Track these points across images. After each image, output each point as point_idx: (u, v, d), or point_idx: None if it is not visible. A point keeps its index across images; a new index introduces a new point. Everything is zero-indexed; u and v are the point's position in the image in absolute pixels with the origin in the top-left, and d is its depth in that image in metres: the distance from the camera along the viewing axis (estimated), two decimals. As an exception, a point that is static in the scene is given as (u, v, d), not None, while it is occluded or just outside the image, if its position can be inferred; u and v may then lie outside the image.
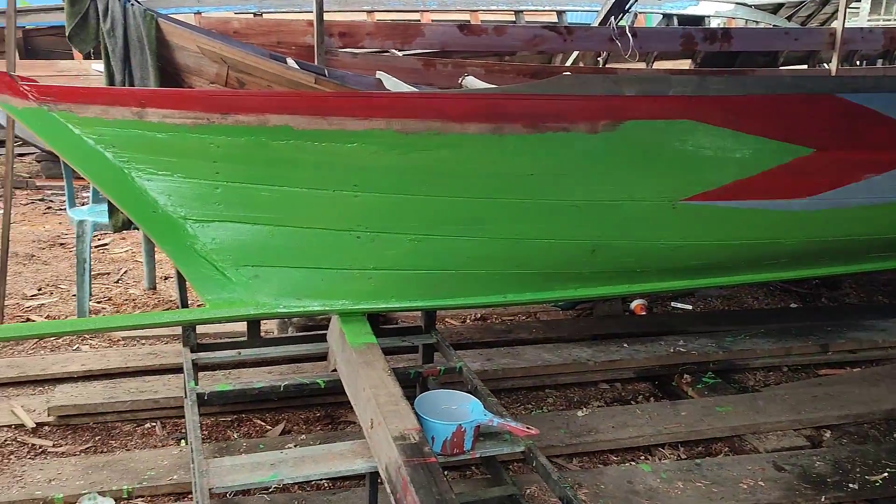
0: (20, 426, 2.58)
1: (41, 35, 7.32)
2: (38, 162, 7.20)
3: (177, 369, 2.89)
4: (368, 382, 1.97)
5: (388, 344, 2.46)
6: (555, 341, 3.26)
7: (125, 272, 4.29)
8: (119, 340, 3.31)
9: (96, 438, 2.56)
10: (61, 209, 5.90)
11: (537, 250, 2.30)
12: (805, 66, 7.23)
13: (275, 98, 2.12)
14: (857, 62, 7.69)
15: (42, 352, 3.18)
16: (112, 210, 3.33)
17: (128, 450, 2.49)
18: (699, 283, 2.76)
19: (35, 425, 2.58)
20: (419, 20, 7.39)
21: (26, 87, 2.08)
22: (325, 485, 2.31)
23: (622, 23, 5.95)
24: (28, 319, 3.54)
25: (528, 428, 1.91)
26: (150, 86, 3.24)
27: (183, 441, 2.53)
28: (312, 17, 4.97)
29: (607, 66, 6.74)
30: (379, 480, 1.90)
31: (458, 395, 2.08)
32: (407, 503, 1.59)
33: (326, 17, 4.80)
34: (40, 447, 2.48)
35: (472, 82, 4.41)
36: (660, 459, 2.54)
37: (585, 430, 2.60)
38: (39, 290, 3.96)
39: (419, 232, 2.22)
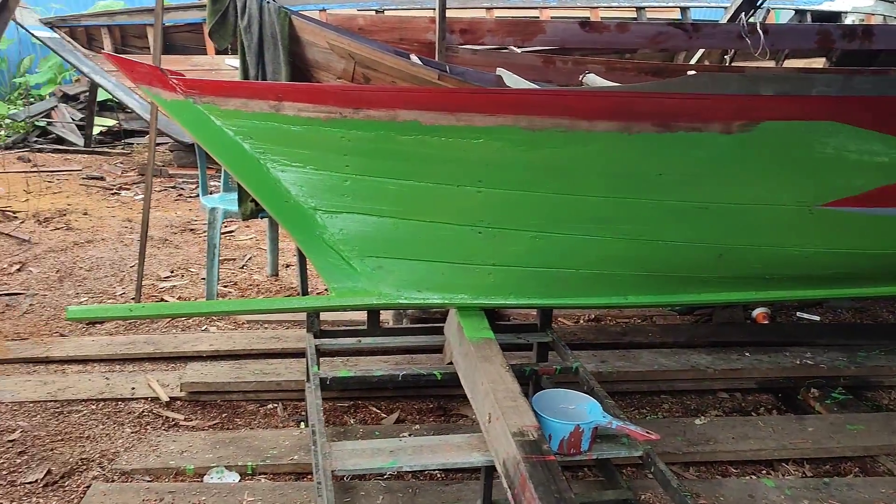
0: (156, 399, 2.74)
1: (178, 32, 7.74)
2: (171, 151, 7.63)
3: (297, 354, 3.01)
4: (486, 377, 1.98)
5: (503, 340, 2.46)
6: (671, 346, 3.17)
7: (249, 259, 4.49)
8: (244, 323, 3.47)
9: (223, 415, 2.69)
10: (191, 196, 6.24)
11: (662, 252, 2.25)
12: (954, 66, 6.72)
13: (404, 93, 2.16)
14: None
15: (174, 330, 3.37)
16: (242, 199, 3.49)
17: (251, 428, 2.61)
18: (832, 293, 2.62)
19: (169, 399, 2.74)
20: (538, 17, 7.35)
21: (175, 81, 2.20)
22: (439, 475, 2.34)
23: (751, 19, 5.71)
24: (162, 299, 3.76)
25: (647, 433, 1.88)
26: (281, 80, 3.36)
27: (303, 423, 2.62)
28: (434, 13, 5.03)
29: (733, 64, 6.49)
30: (495, 475, 1.91)
31: (576, 396, 2.07)
32: (525, 499, 1.59)
33: (447, 13, 4.85)
34: (173, 420, 2.63)
35: (593, 80, 4.35)
36: (783, 475, 2.43)
37: (703, 438, 2.52)
38: (172, 272, 4.20)
39: (541, 229, 2.21)
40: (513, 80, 4.01)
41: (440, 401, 2.81)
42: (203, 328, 3.42)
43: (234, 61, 7.07)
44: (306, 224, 2.27)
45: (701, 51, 6.41)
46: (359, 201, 2.23)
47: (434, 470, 2.30)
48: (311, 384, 2.29)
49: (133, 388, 2.79)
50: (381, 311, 2.79)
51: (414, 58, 3.84)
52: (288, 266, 4.31)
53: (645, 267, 2.29)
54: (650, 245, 2.23)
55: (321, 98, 2.13)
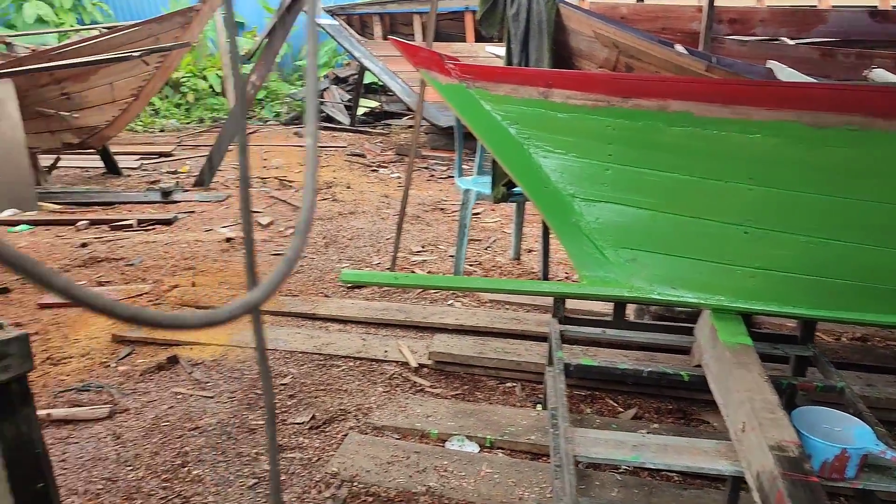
0: (405, 364, 2.94)
1: (441, 20, 8.12)
2: (426, 134, 8.05)
3: (536, 337, 3.06)
4: (742, 385, 1.89)
5: (758, 349, 2.33)
6: (955, 379, 2.80)
7: (494, 241, 4.63)
8: (486, 302, 3.59)
9: (465, 387, 2.81)
10: (442, 178, 6.55)
11: (962, 271, 1.99)
12: None
13: (677, 84, 2.10)
14: None
15: (423, 302, 3.58)
16: (495, 182, 3.60)
17: (490, 403, 2.70)
18: None
19: (417, 366, 2.92)
20: (816, 6, 6.76)
21: (451, 66, 2.32)
22: (675, 478, 2.27)
23: None
24: (413, 272, 4.00)
25: (929, 470, 1.68)
26: (544, 68, 3.42)
27: (539, 405, 2.67)
28: (699, 2, 4.81)
29: None
30: (742, 486, 1.82)
31: (842, 417, 1.90)
32: (780, 518, 1.50)
33: (715, 2, 4.62)
34: (420, 385, 2.80)
35: (881, 75, 3.93)
36: None
37: None
38: (423, 247, 4.45)
39: (816, 234, 2.05)
40: (785, 74, 3.74)
41: (680, 403, 2.72)
42: (449, 302, 3.59)
43: (494, 49, 7.29)
44: (563, 210, 2.30)
45: None
46: (618, 191, 2.21)
47: (673, 471, 2.24)
48: (554, 368, 2.32)
49: (386, 351, 3.01)
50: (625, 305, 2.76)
51: (679, 48, 3.72)
52: (530, 251, 4.39)
53: (938, 286, 2.04)
54: (948, 262, 1.98)
55: (590, 86, 2.14)
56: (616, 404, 2.72)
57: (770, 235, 2.09)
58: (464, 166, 6.07)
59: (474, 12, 7.50)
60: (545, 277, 3.86)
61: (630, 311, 3.18)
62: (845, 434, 1.85)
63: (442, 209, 5.40)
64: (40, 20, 9.88)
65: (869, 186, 1.95)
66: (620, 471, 2.26)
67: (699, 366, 2.31)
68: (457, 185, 3.91)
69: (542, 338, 3.07)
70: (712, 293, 2.21)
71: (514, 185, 3.60)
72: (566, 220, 2.30)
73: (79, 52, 5.34)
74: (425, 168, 6.99)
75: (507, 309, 3.52)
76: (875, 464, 1.79)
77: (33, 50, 6.50)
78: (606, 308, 3.30)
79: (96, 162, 6.60)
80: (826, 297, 2.15)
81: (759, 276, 2.15)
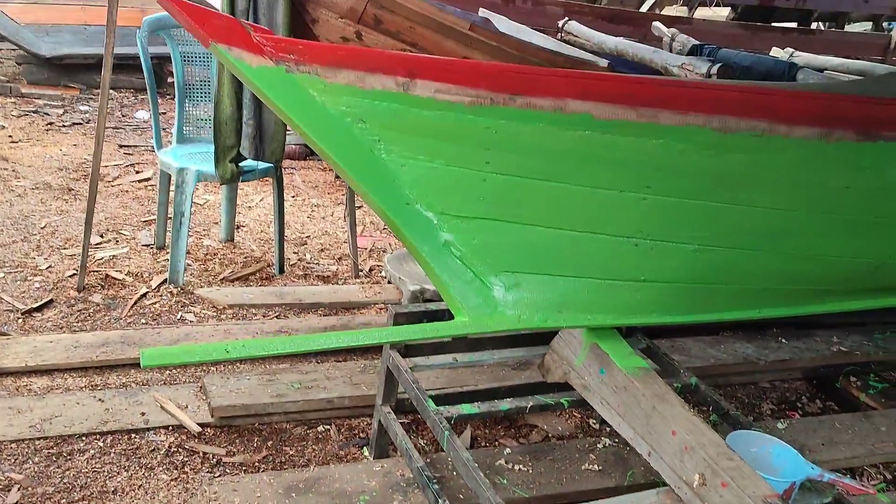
0: (180, 428, 2.19)
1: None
2: (19, 65, 6.43)
3: (331, 353, 2.56)
4: (680, 425, 1.71)
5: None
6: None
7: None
8: (225, 308, 2.91)
9: (268, 444, 2.20)
10: (65, 125, 5.26)
11: (820, 266, 2.05)
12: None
13: (579, 81, 1.74)
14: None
15: (144, 319, 2.76)
16: (220, 157, 2.88)
17: (318, 464, 2.16)
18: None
19: (200, 430, 2.20)
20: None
21: (263, 41, 1.64)
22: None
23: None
24: (107, 276, 3.08)
25: (862, 486, 1.71)
26: (278, 15, 2.76)
27: (364, 448, 2.22)
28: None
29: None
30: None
31: (754, 437, 1.85)
32: None
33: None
34: (214, 456, 2.10)
35: (576, 28, 4.04)
36: (868, 480, 2.40)
37: (796, 446, 2.42)
38: (101, 236, 3.47)
39: (705, 242, 1.92)
40: (507, 26, 3.63)
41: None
42: (179, 315, 2.83)
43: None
44: (429, 231, 1.83)
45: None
46: (498, 206, 1.82)
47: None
48: (434, 422, 1.90)
49: (144, 414, 2.23)
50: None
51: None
52: (239, 227, 3.70)
53: (795, 281, 2.09)
54: (812, 260, 2.02)
55: (471, 79, 1.68)
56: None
57: (660, 246, 1.91)
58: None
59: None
60: (280, 265, 3.28)
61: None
62: (763, 454, 1.81)
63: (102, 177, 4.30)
64: None
65: (761, 193, 1.87)
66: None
67: (564, 381, 2.10)
68: (161, 161, 3.06)
69: (338, 353, 2.59)
70: (597, 312, 1.98)
71: (243, 159, 2.92)
72: (434, 242, 1.83)
73: None
74: (35, 112, 5.54)
75: (255, 316, 2.90)
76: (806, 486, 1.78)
77: None
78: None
79: None
80: (701, 301, 2.08)
81: (643, 289, 1.97)
